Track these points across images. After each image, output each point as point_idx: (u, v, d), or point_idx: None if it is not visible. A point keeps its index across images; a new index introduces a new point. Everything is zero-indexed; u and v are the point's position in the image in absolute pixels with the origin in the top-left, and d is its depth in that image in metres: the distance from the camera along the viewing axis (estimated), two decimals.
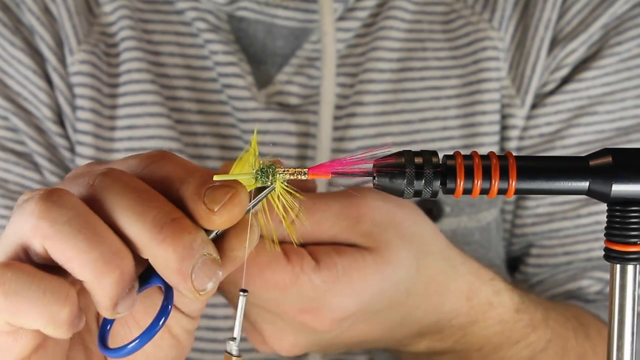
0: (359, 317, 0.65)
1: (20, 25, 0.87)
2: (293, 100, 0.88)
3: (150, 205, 0.49)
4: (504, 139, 0.90)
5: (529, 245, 0.93)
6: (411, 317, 0.68)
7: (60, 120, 0.87)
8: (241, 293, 0.55)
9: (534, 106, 0.91)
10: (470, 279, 0.70)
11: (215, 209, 0.48)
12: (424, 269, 0.66)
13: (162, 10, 0.89)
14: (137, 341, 0.51)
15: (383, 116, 0.88)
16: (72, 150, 0.88)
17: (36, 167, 0.88)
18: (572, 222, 0.92)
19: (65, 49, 0.87)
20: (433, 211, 0.88)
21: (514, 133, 0.90)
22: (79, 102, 0.86)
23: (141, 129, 0.86)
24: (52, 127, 0.87)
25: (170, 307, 0.51)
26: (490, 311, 0.72)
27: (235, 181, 0.50)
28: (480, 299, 0.71)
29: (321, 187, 0.85)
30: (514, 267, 0.96)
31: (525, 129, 0.90)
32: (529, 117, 0.90)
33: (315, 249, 0.63)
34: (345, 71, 0.88)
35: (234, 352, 0.55)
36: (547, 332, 0.77)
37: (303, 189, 0.65)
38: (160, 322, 0.51)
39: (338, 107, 0.87)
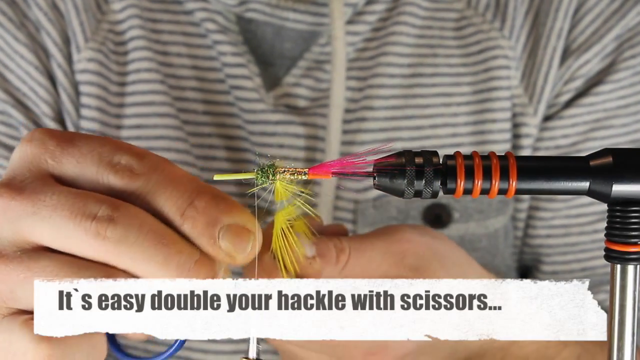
0: (419, 352, 0.65)
1: (26, 20, 0.88)
2: (301, 103, 0.88)
3: (170, 251, 0.50)
4: (516, 147, 0.90)
5: (541, 256, 0.93)
6: (460, 345, 0.68)
7: (59, 119, 0.88)
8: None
9: (550, 118, 0.91)
10: None
11: (236, 256, 0.51)
12: None
13: (171, 10, 0.89)
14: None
15: (393, 121, 0.88)
16: None
17: None
18: (589, 237, 0.91)
19: (72, 46, 0.87)
20: (442, 217, 0.88)
21: (527, 142, 0.90)
22: (85, 100, 0.87)
23: (149, 129, 0.87)
24: (50, 125, 0.87)
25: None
26: None
27: (250, 221, 0.51)
28: None
29: (329, 190, 0.85)
30: (524, 275, 0.96)
31: (540, 139, 0.90)
32: (545, 129, 0.91)
33: None
34: (354, 75, 0.88)
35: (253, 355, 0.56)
36: (577, 347, 0.77)
37: (335, 233, 0.67)
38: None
39: (347, 110, 0.87)
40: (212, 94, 0.88)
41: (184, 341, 0.54)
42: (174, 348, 0.55)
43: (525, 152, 0.90)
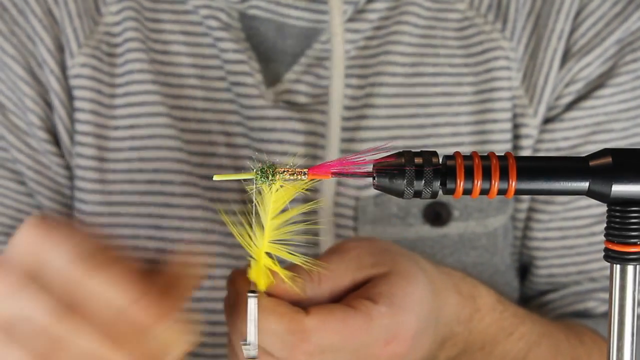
0: (420, 332, 0.66)
1: (17, 27, 0.88)
2: (301, 99, 0.88)
3: None
4: (516, 148, 0.90)
5: (537, 259, 0.93)
6: (437, 327, 0.70)
7: (48, 128, 0.89)
8: (250, 294, 0.55)
9: (551, 120, 0.91)
10: (453, 278, 0.73)
11: None
12: (429, 278, 0.68)
13: (172, 9, 0.89)
14: None
15: (394, 119, 0.88)
16: (60, 156, 0.89)
17: (16, 175, 0.89)
18: (586, 240, 0.92)
19: (65, 52, 0.88)
20: (442, 215, 0.89)
21: (526, 142, 0.90)
22: (78, 104, 0.87)
23: (142, 129, 0.88)
24: (38, 134, 0.88)
25: None
26: (478, 301, 0.74)
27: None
28: (464, 293, 0.73)
29: (330, 187, 0.85)
30: (523, 275, 0.96)
31: (541, 141, 0.91)
32: (545, 131, 0.91)
33: (358, 293, 0.65)
34: (354, 72, 0.88)
35: (252, 354, 0.56)
36: (537, 326, 0.79)
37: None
38: None
39: (347, 108, 0.87)
40: (213, 92, 0.88)
41: None
42: None
43: (525, 153, 0.90)
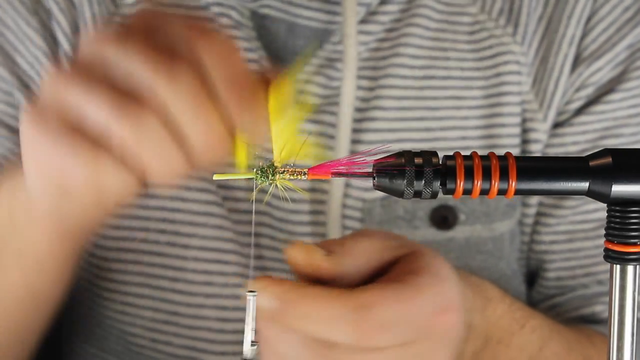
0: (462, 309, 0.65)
1: (39, 7, 0.88)
2: (311, 100, 0.88)
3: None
4: (525, 152, 0.90)
5: (545, 262, 0.93)
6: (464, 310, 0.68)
7: None
8: (248, 293, 0.56)
9: (560, 125, 0.91)
10: (459, 270, 0.70)
11: None
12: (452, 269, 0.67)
13: (184, 4, 0.89)
14: None
15: (403, 122, 0.88)
16: None
17: None
18: (593, 242, 0.91)
19: (81, 36, 0.88)
20: (448, 218, 0.89)
21: (536, 147, 0.90)
22: None
23: None
24: None
25: None
26: (488, 292, 0.73)
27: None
28: (473, 284, 0.72)
29: (339, 188, 0.86)
30: (530, 281, 0.96)
31: (550, 146, 0.91)
32: (554, 135, 0.91)
33: (397, 268, 0.63)
34: (365, 74, 0.88)
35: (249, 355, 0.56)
36: (547, 321, 0.78)
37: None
38: None
39: (357, 109, 0.87)
40: None
41: None
42: None
43: None
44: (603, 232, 0.89)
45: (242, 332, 0.60)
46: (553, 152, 0.91)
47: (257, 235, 0.88)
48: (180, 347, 0.89)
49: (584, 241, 0.91)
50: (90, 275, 0.92)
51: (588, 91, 0.90)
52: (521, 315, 0.76)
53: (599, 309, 0.90)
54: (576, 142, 0.90)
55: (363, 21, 0.88)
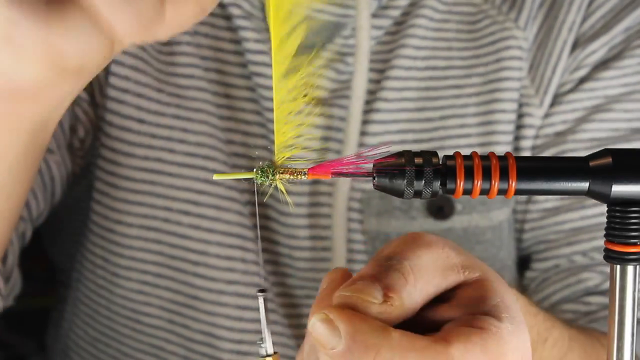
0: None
1: None
2: (320, 93, 0.88)
3: None
4: (518, 138, 0.90)
5: (537, 242, 0.93)
6: None
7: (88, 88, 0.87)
8: (259, 293, 0.55)
9: (551, 105, 0.90)
10: None
11: None
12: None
13: None
14: None
15: (406, 113, 0.88)
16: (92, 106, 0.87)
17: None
18: (578, 214, 0.91)
19: None
20: (444, 209, 0.89)
21: (529, 132, 0.90)
22: (114, 67, 0.87)
23: (188, 100, 0.88)
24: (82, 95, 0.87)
25: None
26: (519, 301, 0.70)
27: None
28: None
29: (345, 182, 0.86)
30: (523, 267, 0.96)
31: (540, 127, 0.90)
32: (546, 115, 0.90)
33: (472, 307, 0.55)
34: (373, 67, 0.88)
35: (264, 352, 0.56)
36: (565, 330, 0.76)
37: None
38: None
39: (364, 102, 0.87)
40: (231, 77, 0.88)
41: None
42: None
43: (527, 143, 0.90)
44: (588, 203, 0.90)
45: (259, 321, 0.56)
46: (542, 133, 0.91)
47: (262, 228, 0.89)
48: (197, 331, 0.89)
49: (568, 213, 0.91)
50: (107, 252, 0.91)
51: (582, 73, 0.90)
52: (545, 328, 0.71)
53: (586, 276, 0.89)
54: (565, 120, 0.90)
55: (375, 15, 0.88)
